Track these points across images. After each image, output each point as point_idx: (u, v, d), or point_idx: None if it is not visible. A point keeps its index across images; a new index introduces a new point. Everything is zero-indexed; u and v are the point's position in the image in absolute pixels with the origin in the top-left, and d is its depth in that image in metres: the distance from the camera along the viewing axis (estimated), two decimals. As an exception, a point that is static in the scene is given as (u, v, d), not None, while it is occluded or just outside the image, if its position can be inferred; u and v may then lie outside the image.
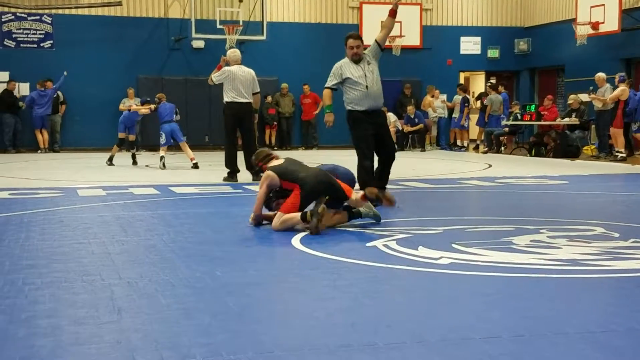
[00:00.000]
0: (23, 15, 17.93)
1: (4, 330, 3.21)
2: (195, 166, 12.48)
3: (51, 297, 3.76)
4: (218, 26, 18.01)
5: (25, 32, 17.91)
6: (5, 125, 17.56)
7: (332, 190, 6.05)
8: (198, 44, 18.90)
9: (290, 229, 5.85)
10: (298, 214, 5.86)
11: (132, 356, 2.86)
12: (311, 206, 5.88)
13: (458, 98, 19.31)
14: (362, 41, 7.73)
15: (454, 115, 19.33)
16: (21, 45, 17.98)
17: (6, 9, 17.81)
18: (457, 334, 3.14)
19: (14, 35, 17.96)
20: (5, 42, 17.91)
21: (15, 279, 4.17)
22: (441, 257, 4.76)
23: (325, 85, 7.84)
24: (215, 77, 10.31)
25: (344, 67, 7.70)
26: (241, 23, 18.23)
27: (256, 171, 6.28)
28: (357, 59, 7.65)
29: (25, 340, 3.07)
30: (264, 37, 18.35)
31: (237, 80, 10.15)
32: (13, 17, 17.89)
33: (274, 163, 6.30)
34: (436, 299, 3.79)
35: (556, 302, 3.70)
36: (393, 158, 7.97)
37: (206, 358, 2.84)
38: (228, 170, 10.26)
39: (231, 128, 10.29)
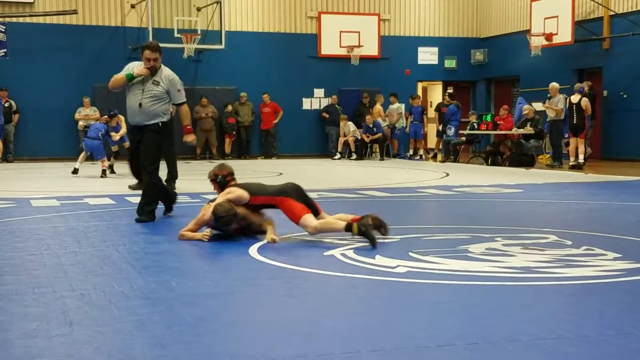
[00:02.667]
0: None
1: (-50, 345, 3.13)
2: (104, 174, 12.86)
3: (1, 310, 3.68)
4: (176, 35, 17.91)
5: (-22, 40, 17.59)
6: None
7: (302, 189, 6.00)
8: (156, 53, 18.74)
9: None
10: (342, 222, 5.71)
11: (83, 370, 2.81)
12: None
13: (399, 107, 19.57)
14: (160, 53, 7.11)
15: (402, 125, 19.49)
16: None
17: (-42, 16, 17.48)
18: (412, 342, 3.15)
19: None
20: (-43, 50, 17.56)
21: (-37, 292, 4.07)
22: (398, 266, 4.79)
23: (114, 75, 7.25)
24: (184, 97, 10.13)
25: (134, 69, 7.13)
26: (199, 32, 18.16)
27: (220, 182, 6.06)
28: (154, 71, 7.05)
29: (-27, 355, 3.00)
30: (222, 46, 18.30)
31: None
32: (-35, 24, 17.56)
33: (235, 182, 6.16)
34: (393, 308, 3.80)
35: (510, 310, 3.74)
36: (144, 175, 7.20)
37: (159, 370, 2.81)
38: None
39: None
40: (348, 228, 5.67)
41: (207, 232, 5.85)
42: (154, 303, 3.86)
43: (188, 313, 3.66)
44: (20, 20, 17.97)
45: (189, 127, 7.39)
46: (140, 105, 7.01)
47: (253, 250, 5.43)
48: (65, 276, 4.52)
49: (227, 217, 5.68)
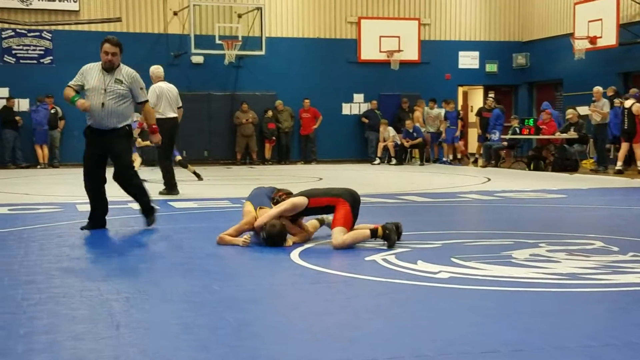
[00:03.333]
0: (23, 31, 17.99)
1: (2, 346, 3.20)
2: None
3: (49, 313, 3.76)
4: (217, 41, 18.08)
5: (25, 48, 17.96)
6: (5, 141, 17.58)
7: (359, 201, 6.07)
8: (197, 59, 18.96)
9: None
10: (367, 231, 5.78)
11: (130, 371, 2.86)
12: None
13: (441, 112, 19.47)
14: (120, 50, 6.79)
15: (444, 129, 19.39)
16: (21, 61, 18.04)
17: (6, 25, 17.87)
18: (455, 348, 3.13)
19: (14, 52, 18.01)
20: (5, 58, 17.96)
21: (14, 294, 4.17)
22: (440, 271, 4.76)
23: (68, 84, 6.75)
24: (151, 103, 10.23)
25: (89, 71, 6.77)
26: (240, 38, 18.31)
27: (277, 201, 6.11)
28: (109, 67, 6.69)
29: (24, 356, 3.07)
30: (262, 52, 18.42)
31: (164, 96, 10.32)
32: (13, 33, 17.95)
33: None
34: (435, 313, 3.78)
35: (555, 316, 3.69)
36: (124, 181, 6.93)
37: (205, 373, 2.84)
38: (167, 185, 10.36)
39: (169, 141, 10.25)
40: (373, 234, 5.75)
41: (246, 237, 5.89)
42: (198, 306, 3.90)
43: (231, 317, 3.69)
44: (66, 28, 18.32)
45: (154, 126, 7.09)
46: (102, 105, 6.57)
47: (295, 255, 5.45)
48: (111, 279, 4.60)
49: (278, 238, 5.73)
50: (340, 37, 20.41)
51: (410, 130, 18.63)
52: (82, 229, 6.76)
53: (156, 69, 10.70)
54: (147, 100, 6.98)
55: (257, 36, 18.43)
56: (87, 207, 8.77)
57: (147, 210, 6.98)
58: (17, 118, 17.58)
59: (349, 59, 20.35)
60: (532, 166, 16.41)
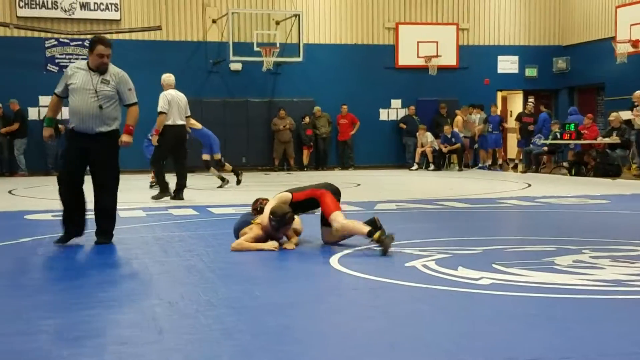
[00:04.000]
0: (66, 40, 18.33)
1: (48, 350, 3.26)
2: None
3: (98, 317, 3.81)
4: (255, 49, 18.21)
5: (68, 57, 18.28)
6: (48, 148, 17.90)
7: (339, 194, 6.31)
8: (236, 66, 19.11)
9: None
10: (365, 227, 5.81)
11: (174, 376, 2.88)
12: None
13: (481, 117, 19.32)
14: (111, 50, 6.37)
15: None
16: (64, 70, 18.36)
17: (49, 35, 18.23)
18: (499, 355, 3.10)
19: (57, 61, 18.35)
20: (48, 67, 18.31)
21: (62, 298, 4.24)
22: (481, 278, 4.72)
23: (54, 91, 6.39)
24: (162, 107, 10.38)
25: (75, 71, 6.33)
26: (278, 45, 18.41)
27: (259, 210, 6.20)
28: (104, 70, 6.26)
29: None
30: (300, 59, 18.49)
31: (174, 104, 10.45)
32: (56, 42, 18.29)
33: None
34: (477, 320, 3.75)
35: (601, 324, 3.63)
36: (106, 192, 6.47)
37: (247, 378, 2.85)
38: (161, 188, 10.53)
39: (165, 150, 10.43)
40: (370, 233, 5.75)
41: (276, 245, 5.93)
42: (239, 312, 3.92)
43: (273, 322, 3.70)
44: (108, 37, 18.59)
45: (131, 127, 6.51)
46: (100, 107, 6.17)
47: (334, 260, 5.45)
48: (154, 285, 4.65)
49: (285, 215, 5.85)
50: (378, 43, 20.40)
51: (449, 136, 18.52)
52: (57, 242, 6.29)
53: (167, 77, 10.88)
54: (136, 103, 6.44)
55: (295, 43, 18.52)
56: (128, 213, 8.91)
57: (105, 234, 6.41)
58: (60, 126, 17.90)
59: (387, 64, 20.31)
60: (573, 171, 16.18)
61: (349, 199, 10.61)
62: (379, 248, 5.68)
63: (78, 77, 6.25)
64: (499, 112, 19.79)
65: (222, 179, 13.08)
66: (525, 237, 6.80)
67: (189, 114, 10.79)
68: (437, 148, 18.73)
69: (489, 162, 19.16)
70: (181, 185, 10.49)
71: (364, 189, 13.14)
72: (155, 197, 10.50)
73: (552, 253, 5.66)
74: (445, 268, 5.06)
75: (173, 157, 10.60)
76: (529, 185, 13.35)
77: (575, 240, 6.31)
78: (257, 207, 6.31)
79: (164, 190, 10.50)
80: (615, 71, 18.74)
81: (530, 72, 21.38)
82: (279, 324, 3.67)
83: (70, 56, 18.39)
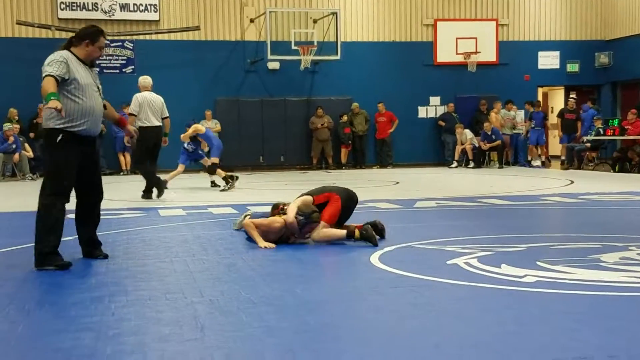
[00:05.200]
0: (106, 42, 18.55)
1: (91, 347, 3.27)
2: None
3: (136, 315, 3.82)
4: (293, 47, 18.21)
5: (107, 58, 18.51)
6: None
7: (355, 200, 6.51)
8: (273, 65, 19.14)
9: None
10: (343, 232, 6.09)
11: (216, 373, 2.86)
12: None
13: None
14: None
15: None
16: (104, 71, 18.58)
17: (90, 37, 18.48)
18: (547, 354, 3.02)
19: (97, 62, 18.58)
20: (89, 68, 18.55)
21: (101, 297, 4.26)
22: (526, 275, 4.63)
23: (49, 73, 5.19)
24: (132, 109, 10.57)
25: (71, 62, 5.36)
26: (315, 43, 18.38)
27: (284, 211, 6.30)
28: (94, 63, 5.71)
29: (112, 357, 3.12)
30: (338, 57, 18.42)
31: (146, 105, 10.52)
32: (96, 44, 18.54)
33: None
34: (523, 318, 3.66)
35: (651, 322, 3.53)
36: (100, 194, 5.68)
37: (290, 376, 2.82)
38: (157, 187, 10.59)
39: (146, 150, 10.55)
40: (349, 235, 6.02)
41: (272, 245, 6.02)
42: (280, 309, 3.90)
43: (314, 320, 3.67)
44: (147, 37, 18.79)
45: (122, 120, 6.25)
46: (104, 107, 5.69)
47: (374, 258, 5.40)
48: (194, 283, 4.65)
49: (312, 213, 6.03)
50: (416, 40, 20.24)
51: (489, 133, 18.30)
52: (56, 266, 5.16)
53: (143, 79, 11.05)
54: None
55: (333, 41, 18.46)
56: (168, 212, 8.97)
57: (100, 245, 5.73)
58: (101, 126, 18.13)
59: (425, 61, 20.16)
60: (617, 168, 15.86)
61: (388, 196, 10.55)
62: (370, 243, 5.92)
63: (79, 71, 5.38)
64: (540, 109, 19.48)
65: (227, 182, 12.82)
66: (569, 235, 6.67)
67: (166, 115, 10.85)
68: (476, 145, 18.52)
69: (530, 159, 18.89)
70: (151, 185, 10.60)
71: (403, 187, 13.05)
72: (146, 197, 10.61)
73: (597, 250, 5.53)
74: (488, 266, 4.97)
75: (149, 157, 10.69)
76: (572, 182, 13.12)
77: (621, 237, 6.17)
78: (279, 212, 6.39)
79: (160, 188, 10.61)
80: (660, 65, 18.33)
81: (572, 67, 21.03)
82: (320, 322, 3.63)
83: (110, 57, 18.62)
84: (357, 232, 5.99)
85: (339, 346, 3.22)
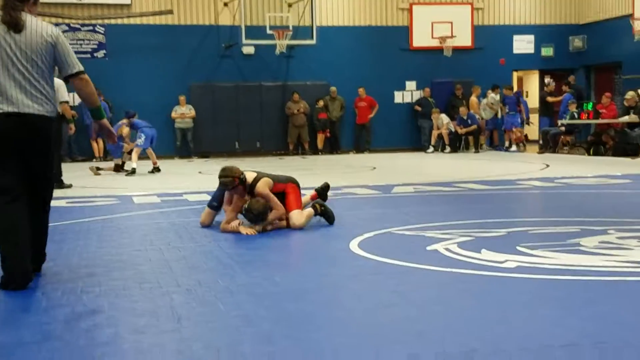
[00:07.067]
0: (77, 26, 18.22)
1: (63, 339, 3.16)
2: (157, 170, 13.27)
3: (110, 306, 3.71)
4: (268, 32, 18.01)
5: (79, 42, 18.17)
6: (65, 134, 17.83)
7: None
8: (248, 50, 18.94)
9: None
10: (311, 210, 6.34)
11: (194, 366, 2.77)
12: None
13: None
14: None
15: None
16: (76, 55, 18.29)
17: (60, 20, 18.11)
18: (534, 341, 2.96)
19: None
20: (60, 54, 18.21)
21: (74, 287, 4.14)
22: (506, 260, 4.59)
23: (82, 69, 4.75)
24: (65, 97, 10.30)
25: None
26: (291, 28, 18.20)
27: (242, 180, 5.97)
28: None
29: (86, 350, 3.01)
30: (313, 42, 18.26)
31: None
32: (67, 28, 18.17)
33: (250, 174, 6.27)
34: (506, 304, 3.61)
35: (636, 306, 3.49)
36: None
37: (270, 368, 2.74)
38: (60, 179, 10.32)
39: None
40: (316, 212, 6.35)
41: (238, 223, 6.06)
42: (259, 298, 3.81)
43: (294, 308, 3.59)
44: (119, 21, 18.49)
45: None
46: None
47: (354, 244, 5.33)
48: (170, 272, 4.54)
49: (263, 212, 5.98)
50: (392, 25, 20.15)
51: (465, 117, 18.30)
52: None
53: None
54: None
55: (308, 25, 18.31)
56: (144, 199, 8.83)
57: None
58: (72, 112, 17.82)
59: (401, 46, 20.08)
60: (591, 151, 15.95)
61: (365, 182, 10.49)
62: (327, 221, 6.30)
63: None
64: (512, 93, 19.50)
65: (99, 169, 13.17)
66: (547, 219, 6.65)
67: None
68: (453, 130, 18.52)
69: (507, 143, 18.94)
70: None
71: (380, 172, 13.00)
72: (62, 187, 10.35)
73: (577, 234, 5.51)
74: (469, 251, 4.92)
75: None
76: (548, 166, 13.15)
77: (600, 221, 6.16)
78: (238, 178, 6.08)
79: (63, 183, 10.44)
80: (633, 49, 18.43)
81: (547, 51, 21.08)
82: (300, 310, 3.55)
83: (82, 41, 18.28)
84: (318, 207, 6.37)
85: (319, 335, 3.14)
